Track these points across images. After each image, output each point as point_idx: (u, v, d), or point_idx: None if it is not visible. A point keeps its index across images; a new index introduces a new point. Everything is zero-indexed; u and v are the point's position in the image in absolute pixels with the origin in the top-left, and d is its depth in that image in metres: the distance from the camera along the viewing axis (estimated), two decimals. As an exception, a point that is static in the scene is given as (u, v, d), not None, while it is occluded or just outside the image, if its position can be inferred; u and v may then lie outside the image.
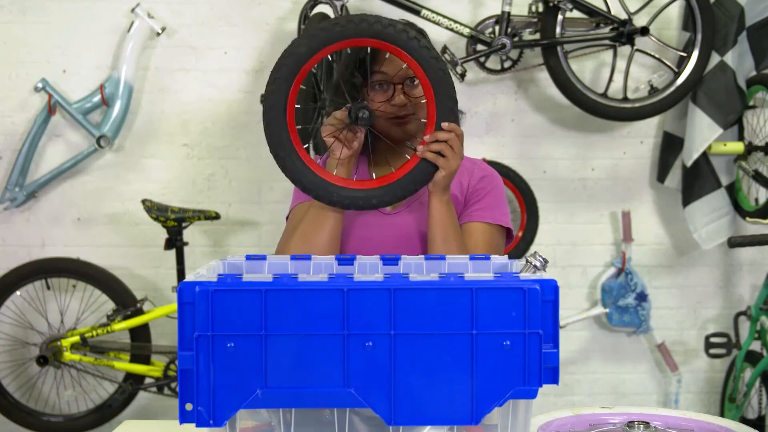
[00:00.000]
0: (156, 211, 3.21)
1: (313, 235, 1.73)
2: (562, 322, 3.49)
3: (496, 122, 3.59)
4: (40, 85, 3.39)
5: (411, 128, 1.84)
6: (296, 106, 1.64)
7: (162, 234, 3.28)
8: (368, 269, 1.42)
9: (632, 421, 1.40)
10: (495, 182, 1.89)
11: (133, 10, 3.40)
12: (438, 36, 3.39)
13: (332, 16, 3.14)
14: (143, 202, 3.24)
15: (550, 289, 1.13)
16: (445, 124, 1.68)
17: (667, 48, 3.39)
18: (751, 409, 3.39)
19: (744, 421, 3.37)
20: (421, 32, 1.83)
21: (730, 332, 3.52)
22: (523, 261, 1.30)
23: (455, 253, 1.72)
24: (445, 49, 3.24)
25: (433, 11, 3.21)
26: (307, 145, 1.70)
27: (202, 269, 1.26)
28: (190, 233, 3.41)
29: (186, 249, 3.29)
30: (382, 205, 1.70)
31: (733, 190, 3.50)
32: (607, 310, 3.60)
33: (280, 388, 1.12)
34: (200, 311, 1.11)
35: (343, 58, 1.85)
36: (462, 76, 3.22)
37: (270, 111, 1.62)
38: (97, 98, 3.42)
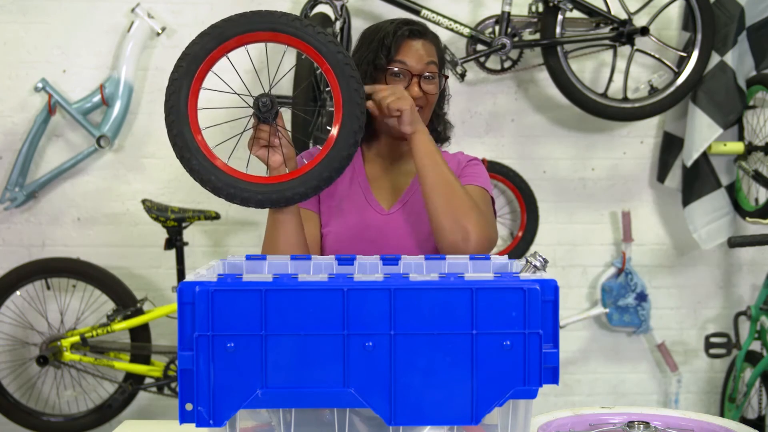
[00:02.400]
0: (156, 211, 3.21)
1: (275, 239, 1.70)
2: (562, 322, 3.49)
3: (496, 122, 3.59)
4: (40, 85, 3.39)
5: None
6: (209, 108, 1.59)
7: (162, 234, 3.28)
8: (368, 269, 1.42)
9: (632, 421, 1.40)
10: (476, 161, 1.94)
11: (133, 10, 3.40)
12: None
13: (332, 16, 3.14)
14: (143, 202, 3.24)
15: (550, 289, 1.13)
16: (367, 87, 1.70)
17: (667, 48, 3.39)
18: (751, 409, 3.39)
19: (744, 421, 3.37)
20: (324, 21, 1.84)
21: (730, 332, 3.52)
22: (523, 261, 1.29)
23: (457, 191, 1.72)
24: (445, 49, 3.24)
25: (433, 11, 3.21)
26: (216, 145, 1.61)
27: (202, 269, 1.26)
28: (190, 233, 3.41)
29: (186, 249, 3.29)
30: (298, 198, 1.59)
31: (733, 190, 3.50)
32: (607, 310, 3.60)
33: (280, 388, 1.12)
34: (200, 311, 1.11)
35: (366, 43, 1.86)
36: (462, 76, 3.22)
37: (171, 112, 1.59)
38: (97, 98, 3.42)
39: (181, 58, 1.57)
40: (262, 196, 1.56)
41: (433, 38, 1.90)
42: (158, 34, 3.43)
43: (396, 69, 1.81)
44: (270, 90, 1.69)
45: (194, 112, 1.57)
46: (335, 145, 1.57)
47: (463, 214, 1.70)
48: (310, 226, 1.84)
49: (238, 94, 1.65)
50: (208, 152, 1.60)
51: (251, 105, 1.61)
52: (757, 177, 3.29)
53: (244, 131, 1.70)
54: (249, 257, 1.43)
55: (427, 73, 1.83)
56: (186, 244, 3.26)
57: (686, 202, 3.50)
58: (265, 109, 1.60)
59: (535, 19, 3.31)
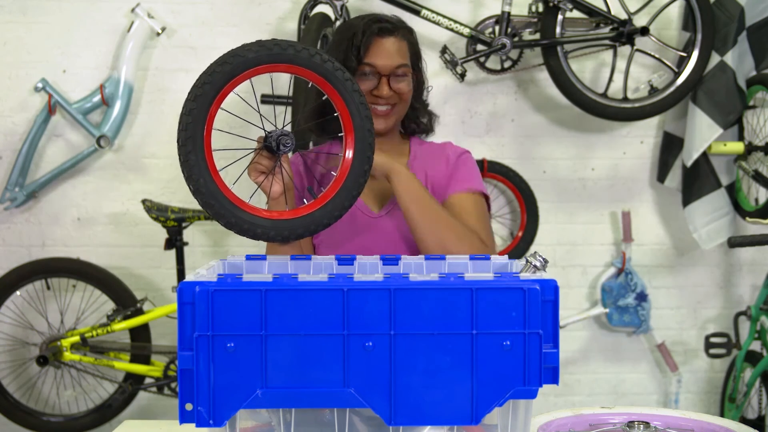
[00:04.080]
0: (156, 211, 3.21)
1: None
2: (562, 322, 3.49)
3: (496, 122, 3.59)
4: (40, 85, 3.39)
5: (390, 122, 1.86)
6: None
7: (162, 234, 3.28)
8: (368, 269, 1.41)
9: (632, 421, 1.40)
10: (466, 156, 1.94)
11: (133, 10, 3.40)
12: (438, 36, 3.39)
13: (332, 16, 3.14)
14: (143, 202, 3.24)
15: (550, 289, 1.13)
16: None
17: (667, 48, 3.39)
18: (751, 409, 3.39)
19: (744, 421, 3.37)
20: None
21: (730, 332, 3.52)
22: (523, 261, 1.29)
23: (444, 224, 1.73)
24: (445, 49, 3.25)
25: (433, 11, 3.21)
26: (221, 169, 1.56)
27: (202, 269, 1.26)
28: (190, 233, 3.41)
29: (186, 249, 3.29)
30: (321, 229, 1.56)
31: (733, 190, 3.50)
32: (607, 310, 3.60)
33: (280, 388, 1.12)
34: (200, 311, 1.11)
35: (337, 42, 1.86)
36: (462, 76, 3.22)
37: (187, 159, 1.49)
38: (97, 98, 3.42)
39: (191, 98, 1.50)
40: (275, 231, 1.53)
41: (405, 34, 1.88)
42: (158, 34, 3.43)
43: (366, 70, 1.83)
44: (284, 124, 1.67)
45: (210, 153, 1.51)
46: (350, 173, 1.56)
47: (452, 243, 1.72)
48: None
49: (265, 130, 1.61)
50: (229, 194, 1.53)
51: (267, 135, 1.58)
52: (757, 177, 3.29)
53: (250, 162, 1.66)
54: (249, 257, 1.43)
55: (398, 72, 1.84)
56: (186, 244, 3.26)
57: (686, 202, 3.50)
58: (286, 147, 1.57)
59: (535, 19, 3.31)
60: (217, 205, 1.51)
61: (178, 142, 1.51)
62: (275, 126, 1.62)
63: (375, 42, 1.83)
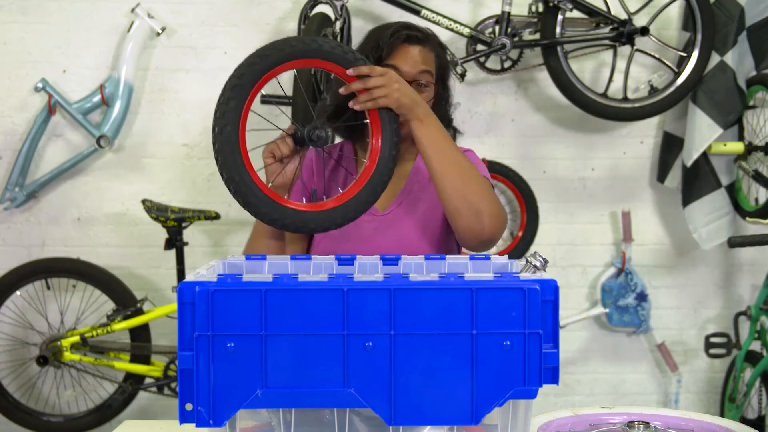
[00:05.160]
0: (156, 211, 3.21)
1: (256, 249, 1.76)
2: (562, 322, 3.49)
3: (496, 122, 3.59)
4: (40, 85, 3.39)
5: (406, 129, 1.85)
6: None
7: (162, 234, 3.28)
8: (368, 269, 1.42)
9: (632, 421, 1.40)
10: (472, 155, 1.92)
11: (133, 10, 3.40)
12: (438, 36, 3.39)
13: (332, 16, 3.14)
14: (143, 202, 3.24)
15: (550, 289, 1.13)
16: (353, 70, 1.61)
17: (667, 48, 3.39)
18: (751, 409, 3.38)
19: (744, 421, 3.37)
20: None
21: (730, 332, 3.52)
22: (523, 261, 1.30)
23: (467, 177, 1.68)
24: (445, 50, 3.24)
25: (433, 11, 3.21)
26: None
27: (202, 269, 1.26)
28: (190, 233, 3.41)
29: (186, 249, 3.29)
30: (350, 220, 1.62)
31: (733, 190, 3.50)
32: (607, 310, 3.60)
33: (280, 388, 1.12)
34: (200, 311, 1.11)
35: (363, 44, 1.86)
36: (462, 76, 3.22)
37: (224, 160, 1.54)
38: (97, 98, 3.42)
39: (231, 83, 1.54)
40: (314, 223, 1.58)
41: (434, 46, 1.86)
42: (158, 34, 3.43)
43: None
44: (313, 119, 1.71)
45: (245, 151, 1.55)
46: (379, 162, 1.63)
47: (475, 195, 1.67)
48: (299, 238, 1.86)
49: (296, 126, 1.67)
50: (256, 179, 1.57)
51: (302, 126, 1.63)
52: (757, 177, 3.29)
53: (270, 142, 1.68)
54: (249, 257, 1.43)
55: (421, 81, 1.81)
56: (186, 244, 3.26)
57: (686, 202, 3.50)
58: (316, 143, 1.63)
59: (535, 19, 3.31)
60: (252, 196, 1.54)
61: (213, 129, 1.57)
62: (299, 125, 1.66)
63: (401, 48, 1.80)
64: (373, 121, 1.64)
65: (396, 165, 1.65)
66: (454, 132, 1.97)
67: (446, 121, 1.95)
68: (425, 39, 1.84)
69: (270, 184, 1.66)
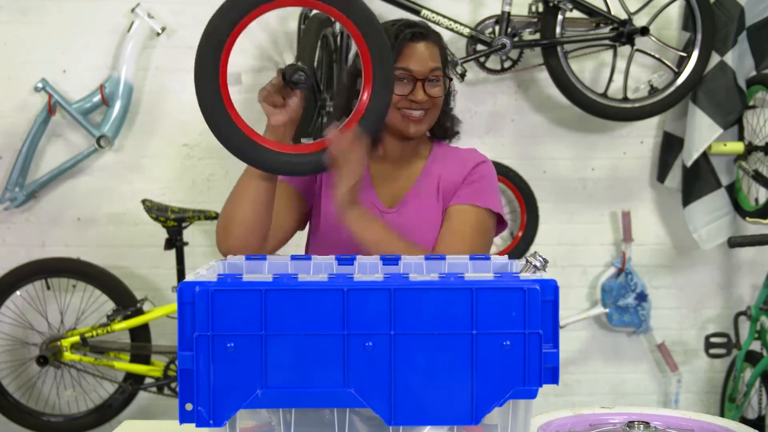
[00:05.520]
0: (156, 211, 3.21)
1: (236, 203, 1.71)
2: (562, 322, 3.49)
3: (496, 122, 3.59)
4: (40, 85, 3.39)
5: (423, 128, 1.85)
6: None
7: (162, 234, 3.28)
8: (368, 269, 1.41)
9: (632, 421, 1.40)
10: (487, 169, 1.90)
11: (133, 10, 3.40)
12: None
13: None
14: (143, 202, 3.24)
15: (550, 289, 1.13)
16: (348, 133, 1.65)
17: (667, 48, 3.39)
18: (751, 409, 3.38)
19: (744, 421, 3.37)
20: None
21: (730, 332, 3.52)
22: (523, 261, 1.29)
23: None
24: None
25: (433, 11, 3.21)
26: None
27: (202, 269, 1.26)
28: (190, 233, 3.41)
29: (186, 249, 3.29)
30: (316, 171, 1.67)
31: (733, 190, 3.50)
32: (607, 310, 3.60)
33: (280, 388, 1.12)
34: (200, 311, 1.11)
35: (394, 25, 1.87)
36: (462, 76, 3.22)
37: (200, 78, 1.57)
38: (97, 98, 3.42)
39: (213, 19, 1.61)
40: (288, 166, 1.62)
41: (436, 39, 1.87)
42: (158, 34, 3.43)
43: (400, 75, 1.79)
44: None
45: (225, 80, 1.59)
46: (369, 106, 1.64)
47: None
48: (283, 202, 1.84)
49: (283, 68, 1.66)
50: (236, 117, 1.61)
51: (285, 68, 1.62)
52: (757, 177, 3.29)
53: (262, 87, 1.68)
54: (249, 257, 1.43)
55: (432, 77, 1.82)
56: (186, 244, 3.26)
57: (686, 202, 3.50)
58: (298, 82, 1.61)
59: (535, 19, 3.31)
60: (233, 136, 1.58)
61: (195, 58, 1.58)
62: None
63: (408, 47, 1.81)
64: (366, 71, 1.63)
65: (384, 124, 1.68)
66: (452, 121, 1.97)
67: (449, 111, 1.95)
68: (428, 33, 1.86)
69: (268, 126, 1.67)
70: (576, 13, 3.31)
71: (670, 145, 3.56)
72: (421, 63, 1.81)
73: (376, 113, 1.66)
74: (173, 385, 3.28)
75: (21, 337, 3.50)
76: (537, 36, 3.32)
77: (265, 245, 1.75)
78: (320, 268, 1.41)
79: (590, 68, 3.58)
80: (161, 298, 3.53)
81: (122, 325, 3.27)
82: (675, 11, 3.51)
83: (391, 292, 1.11)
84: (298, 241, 1.96)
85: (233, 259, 1.42)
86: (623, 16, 3.28)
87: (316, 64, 3.03)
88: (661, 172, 3.60)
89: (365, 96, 1.65)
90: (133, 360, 3.34)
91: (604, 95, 3.32)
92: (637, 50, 3.32)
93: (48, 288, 3.47)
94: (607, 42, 3.32)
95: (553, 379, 1.13)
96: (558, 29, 3.25)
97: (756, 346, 3.39)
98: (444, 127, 1.94)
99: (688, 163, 3.39)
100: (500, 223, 1.90)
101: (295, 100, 1.65)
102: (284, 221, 1.84)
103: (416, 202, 1.85)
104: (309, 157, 1.64)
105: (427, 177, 1.89)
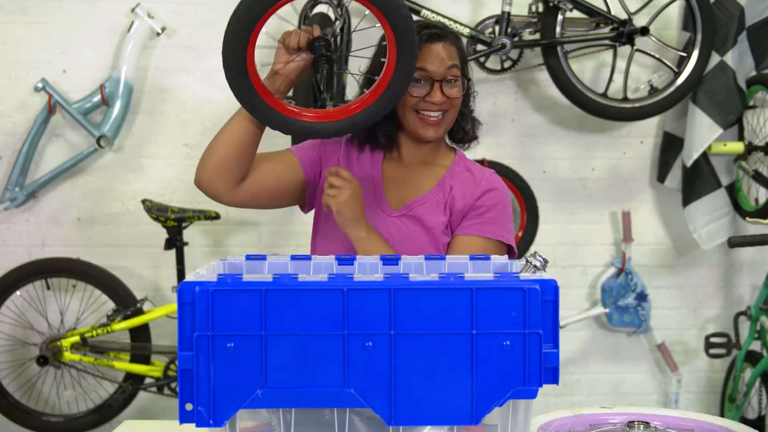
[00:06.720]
0: (156, 211, 3.21)
1: (219, 139, 1.77)
2: (562, 322, 3.49)
3: (496, 122, 3.59)
4: (40, 85, 3.39)
5: (441, 131, 1.84)
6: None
7: (162, 234, 3.28)
8: (368, 269, 1.41)
9: (632, 421, 1.40)
10: (500, 197, 1.85)
11: (133, 10, 3.40)
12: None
13: (332, 16, 3.14)
14: (143, 202, 3.24)
15: (550, 289, 1.13)
16: (344, 174, 1.73)
17: (667, 48, 3.39)
18: (751, 409, 3.38)
19: (744, 421, 3.37)
20: None
21: (730, 332, 3.52)
22: (523, 261, 1.30)
23: None
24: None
25: (433, 11, 3.21)
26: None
27: (202, 269, 1.26)
28: (190, 233, 3.41)
29: (186, 249, 3.29)
30: (330, 135, 1.73)
31: (733, 190, 3.50)
32: (607, 310, 3.60)
33: (280, 388, 1.12)
34: (200, 311, 1.11)
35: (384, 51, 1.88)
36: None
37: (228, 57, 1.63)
38: (97, 98, 3.42)
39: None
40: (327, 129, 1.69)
41: (454, 39, 1.85)
42: (158, 34, 3.43)
43: (417, 76, 1.78)
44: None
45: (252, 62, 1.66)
46: (392, 79, 1.66)
47: None
48: (277, 162, 1.85)
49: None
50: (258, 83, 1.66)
51: (316, 37, 1.69)
52: (757, 177, 3.29)
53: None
54: (249, 257, 1.43)
55: (450, 77, 1.80)
56: (186, 244, 3.26)
57: (686, 202, 3.50)
58: (318, 49, 1.68)
59: (535, 19, 3.30)
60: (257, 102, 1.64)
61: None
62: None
63: (425, 48, 1.79)
64: (389, 34, 1.64)
65: (408, 86, 1.70)
66: (473, 124, 1.96)
67: (469, 113, 1.94)
68: (444, 34, 1.84)
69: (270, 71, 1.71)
70: (576, 13, 3.31)
71: (670, 145, 3.56)
72: (438, 63, 1.79)
73: (397, 86, 1.68)
74: (173, 385, 3.28)
75: (21, 337, 3.50)
76: (537, 36, 3.32)
77: (237, 189, 1.78)
78: (320, 268, 1.41)
79: (590, 68, 3.58)
80: (161, 298, 3.53)
81: (122, 325, 3.27)
82: (675, 11, 3.51)
83: (391, 292, 1.11)
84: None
85: (233, 259, 1.42)
86: (623, 16, 3.27)
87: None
88: (661, 172, 3.59)
89: (388, 69, 1.66)
90: (133, 360, 3.34)
91: (604, 95, 3.32)
92: (637, 50, 3.32)
93: (48, 288, 3.47)
94: (607, 42, 3.32)
95: (553, 379, 1.13)
96: (558, 29, 3.25)
97: (756, 346, 3.39)
98: (463, 130, 1.92)
99: (688, 163, 3.39)
100: (511, 252, 1.87)
101: (302, 63, 1.70)
102: (266, 175, 1.83)
103: (421, 210, 1.84)
104: (326, 125, 1.69)
105: (440, 188, 1.87)
